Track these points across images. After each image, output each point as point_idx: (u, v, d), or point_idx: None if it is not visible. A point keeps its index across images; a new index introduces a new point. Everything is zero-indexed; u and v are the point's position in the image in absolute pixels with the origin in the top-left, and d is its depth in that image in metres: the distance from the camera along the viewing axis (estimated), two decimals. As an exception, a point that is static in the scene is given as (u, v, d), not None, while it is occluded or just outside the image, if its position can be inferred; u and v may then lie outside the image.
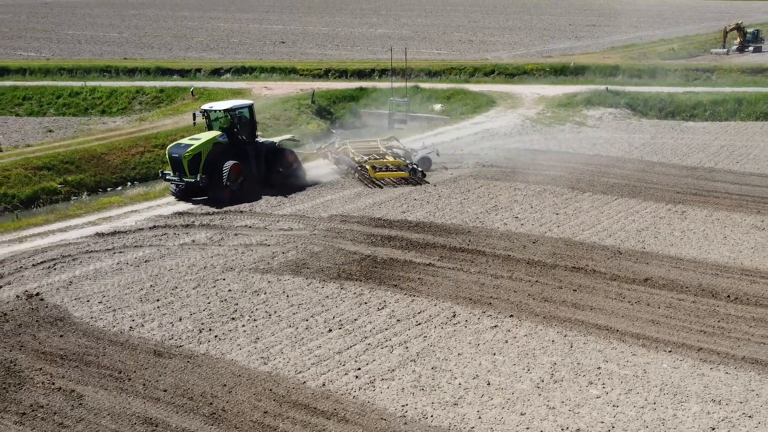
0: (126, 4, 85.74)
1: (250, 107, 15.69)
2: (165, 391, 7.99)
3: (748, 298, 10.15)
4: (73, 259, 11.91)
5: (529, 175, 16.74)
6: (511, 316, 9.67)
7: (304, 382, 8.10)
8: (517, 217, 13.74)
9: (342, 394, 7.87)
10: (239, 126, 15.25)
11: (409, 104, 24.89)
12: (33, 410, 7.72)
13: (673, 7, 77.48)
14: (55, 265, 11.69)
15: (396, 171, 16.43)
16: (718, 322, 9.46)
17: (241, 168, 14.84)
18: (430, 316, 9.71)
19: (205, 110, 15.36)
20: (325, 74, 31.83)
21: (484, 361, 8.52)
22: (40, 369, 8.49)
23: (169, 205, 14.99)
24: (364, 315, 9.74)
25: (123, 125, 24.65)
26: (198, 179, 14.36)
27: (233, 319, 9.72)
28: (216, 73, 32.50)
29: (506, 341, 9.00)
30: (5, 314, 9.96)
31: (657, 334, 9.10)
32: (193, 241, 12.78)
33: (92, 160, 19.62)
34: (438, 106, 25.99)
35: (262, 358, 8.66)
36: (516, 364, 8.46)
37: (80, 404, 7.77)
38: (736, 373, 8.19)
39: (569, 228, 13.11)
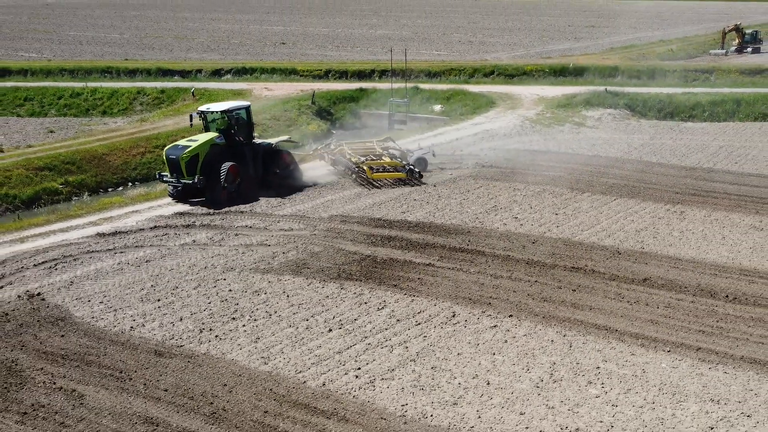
0: (127, 5, 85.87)
1: (247, 108, 15.69)
2: (166, 390, 8.02)
3: (746, 298, 10.18)
4: (74, 259, 11.94)
5: (528, 175, 16.77)
6: (511, 316, 9.70)
7: (305, 382, 8.13)
8: (516, 218, 13.77)
9: (342, 394, 7.90)
10: (236, 127, 15.25)
11: (408, 105, 24.94)
12: (34, 410, 7.74)
13: (672, 9, 77.62)
14: (56, 265, 11.72)
15: (393, 172, 16.45)
16: (717, 321, 9.49)
17: (238, 169, 14.83)
18: (430, 316, 9.74)
19: (202, 112, 15.34)
20: (326, 75, 31.88)
21: (484, 361, 8.54)
22: (42, 369, 8.51)
23: (169, 206, 15.02)
24: (364, 315, 9.77)
25: (124, 126, 24.70)
26: (196, 181, 14.35)
27: (234, 319, 9.75)
28: (217, 73, 32.57)
29: (506, 341, 9.03)
30: (6, 314, 9.99)
31: (656, 334, 9.13)
32: (194, 241, 12.81)
33: (93, 161, 19.67)
34: (438, 107, 26.03)
35: (262, 357, 8.69)
36: (515, 363, 8.48)
37: (81, 404, 7.80)
38: (735, 373, 8.22)
39: (568, 228, 13.15)
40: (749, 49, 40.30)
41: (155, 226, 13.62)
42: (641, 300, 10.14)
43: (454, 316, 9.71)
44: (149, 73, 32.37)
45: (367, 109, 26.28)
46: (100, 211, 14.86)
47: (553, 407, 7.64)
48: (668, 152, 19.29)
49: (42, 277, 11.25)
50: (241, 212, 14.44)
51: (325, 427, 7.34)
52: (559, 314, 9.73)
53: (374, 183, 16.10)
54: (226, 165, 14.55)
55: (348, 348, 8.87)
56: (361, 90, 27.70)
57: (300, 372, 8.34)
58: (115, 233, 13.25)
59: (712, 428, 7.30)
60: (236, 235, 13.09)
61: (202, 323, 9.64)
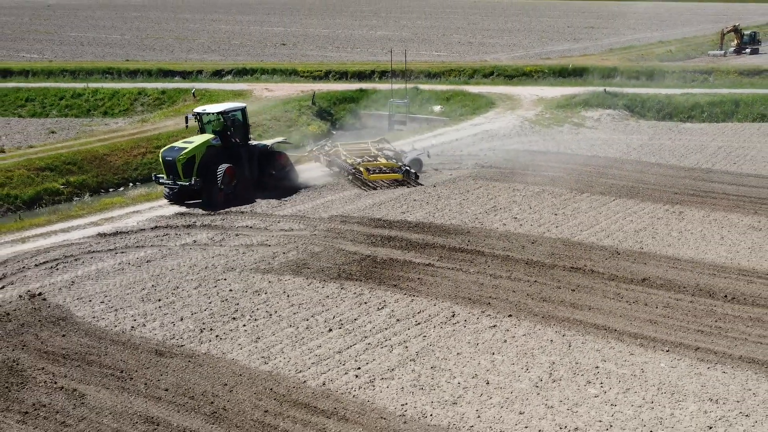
0: (128, 6, 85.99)
1: (243, 110, 15.63)
2: (166, 390, 8.04)
3: (745, 298, 10.21)
4: (76, 260, 11.97)
5: (527, 176, 16.80)
6: (510, 315, 9.73)
7: (305, 382, 8.15)
8: (516, 218, 13.80)
9: (342, 394, 7.92)
10: (232, 129, 15.20)
11: (408, 106, 24.99)
12: (35, 409, 7.76)
13: (671, 10, 77.72)
14: (57, 265, 11.74)
15: (389, 173, 16.42)
16: (716, 321, 9.52)
17: (234, 171, 14.79)
18: (430, 315, 9.76)
19: (198, 113, 15.26)
20: (326, 76, 31.94)
21: (483, 361, 8.57)
22: (43, 368, 8.53)
23: (170, 206, 15.03)
24: (364, 315, 9.79)
25: (125, 126, 24.74)
26: (192, 182, 14.31)
27: (234, 318, 9.78)
28: (217, 74, 32.64)
29: (505, 341, 9.05)
30: (8, 314, 10.01)
31: (655, 334, 9.15)
32: (195, 241, 12.84)
33: (94, 161, 19.71)
34: (437, 108, 26.07)
35: (262, 357, 8.71)
36: (515, 363, 8.51)
37: (82, 403, 7.81)
38: (734, 373, 8.24)
39: (568, 228, 13.17)
40: (748, 50, 40.37)
41: (156, 227, 13.65)
42: (640, 300, 10.17)
43: (453, 315, 9.74)
44: (150, 74, 32.44)
45: (367, 110, 26.32)
46: (101, 211, 14.88)
47: (552, 407, 7.66)
48: (667, 153, 19.32)
49: (43, 277, 11.28)
50: (242, 212, 14.47)
51: (325, 427, 7.36)
52: (559, 314, 9.75)
53: (370, 184, 16.07)
54: (223, 167, 14.51)
55: (348, 348, 8.89)
56: (361, 91, 27.74)
57: (300, 372, 8.36)
58: (116, 233, 13.27)
59: (710, 427, 7.32)
60: (237, 235, 13.12)
61: (203, 323, 9.66)
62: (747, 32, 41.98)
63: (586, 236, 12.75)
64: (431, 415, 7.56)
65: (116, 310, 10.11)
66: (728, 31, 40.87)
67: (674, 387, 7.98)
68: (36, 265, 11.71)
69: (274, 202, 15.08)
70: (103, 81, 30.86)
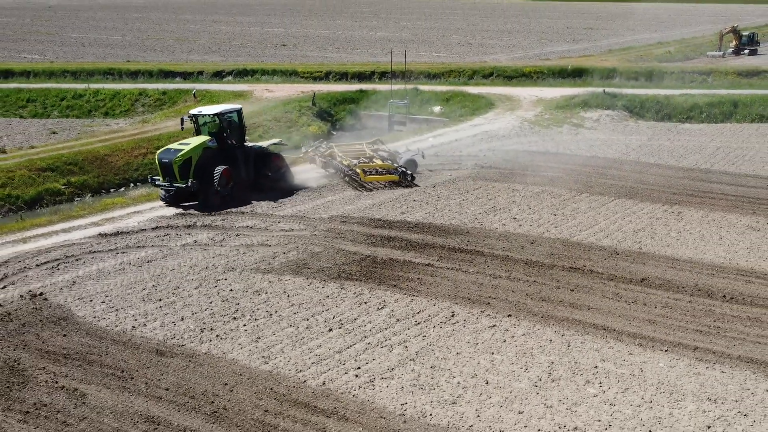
0: (129, 7, 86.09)
1: (239, 111, 15.60)
2: (167, 389, 8.06)
3: (743, 298, 10.24)
4: (77, 260, 12.00)
5: (527, 176, 16.83)
6: (510, 315, 9.76)
7: (305, 381, 8.17)
8: (515, 218, 13.84)
9: (342, 393, 7.94)
10: (229, 130, 15.18)
11: (408, 106, 25.04)
12: (36, 409, 7.78)
13: (670, 11, 77.80)
14: (58, 265, 11.77)
15: (386, 174, 16.39)
16: (714, 321, 9.55)
17: (231, 173, 14.78)
18: (429, 315, 9.79)
19: (194, 115, 15.21)
20: (326, 77, 32.00)
21: (483, 360, 8.59)
22: (44, 368, 8.56)
23: (170, 207, 15.08)
24: (364, 314, 9.82)
25: (126, 127, 24.78)
26: (189, 184, 14.27)
27: (234, 318, 9.81)
28: (218, 75, 32.71)
29: (504, 340, 9.08)
30: (9, 314, 10.04)
31: (653, 334, 9.18)
32: (195, 241, 12.87)
33: (95, 162, 19.75)
34: (437, 108, 26.12)
35: (263, 357, 8.74)
36: (514, 363, 8.53)
37: (83, 403, 7.84)
38: (732, 372, 8.27)
39: (567, 229, 13.21)
40: (746, 51, 40.43)
41: (157, 227, 13.68)
42: (639, 300, 10.20)
43: (453, 315, 9.77)
44: (151, 75, 32.49)
45: (367, 111, 26.37)
46: (102, 211, 14.90)
47: (551, 406, 7.69)
48: (666, 153, 19.36)
49: (44, 277, 11.31)
50: (242, 213, 14.49)
51: (325, 426, 7.39)
52: (558, 314, 9.78)
53: (367, 185, 16.03)
54: (219, 168, 14.47)
55: (348, 347, 8.92)
56: (361, 91, 27.79)
57: (300, 371, 8.39)
58: (117, 233, 13.30)
59: (709, 427, 7.34)
60: (237, 235, 13.15)
61: (203, 323, 9.69)
62: (745, 33, 42.04)
63: (585, 236, 12.78)
64: (431, 414, 7.58)
65: (117, 309, 10.14)
66: (727, 32, 40.94)
67: (673, 386, 8.01)
68: (37, 265, 11.74)
69: (273, 202, 15.09)
70: (104, 82, 30.90)
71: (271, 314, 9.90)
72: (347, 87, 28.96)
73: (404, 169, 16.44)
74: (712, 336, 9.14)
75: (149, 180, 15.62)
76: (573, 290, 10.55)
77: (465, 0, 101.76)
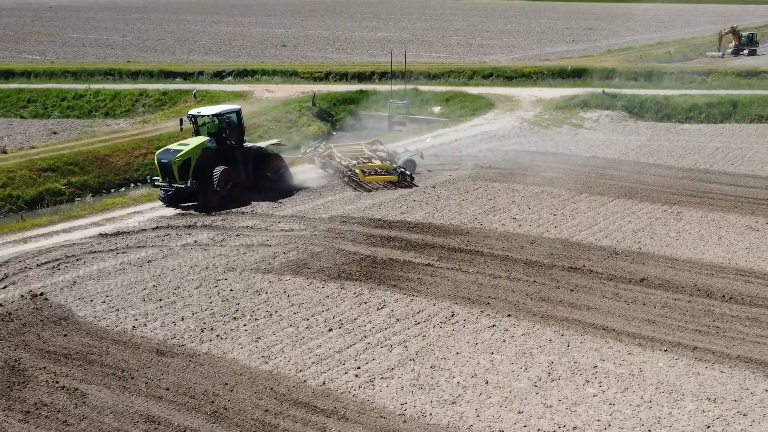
0: (129, 8, 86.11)
1: (238, 112, 15.59)
2: (167, 389, 8.08)
3: (742, 298, 10.27)
4: (77, 260, 12.03)
5: (526, 176, 16.87)
6: (509, 315, 9.78)
7: (305, 381, 8.20)
8: (515, 218, 13.87)
9: (342, 393, 7.97)
10: (228, 131, 15.18)
11: (408, 107, 25.07)
12: (37, 408, 7.80)
13: (670, 11, 77.82)
14: (59, 265, 11.80)
15: (385, 175, 16.39)
16: (713, 321, 9.58)
17: (230, 173, 14.77)
18: (429, 315, 9.82)
19: (193, 115, 15.20)
20: (326, 77, 32.05)
21: (483, 360, 8.62)
22: (44, 368, 8.58)
23: (169, 207, 15.10)
24: (363, 314, 9.85)
25: (126, 127, 24.83)
26: (188, 185, 14.26)
27: (235, 318, 9.83)
28: (218, 75, 32.75)
29: (504, 340, 9.11)
30: (10, 314, 10.07)
31: (653, 334, 9.21)
32: (196, 241, 12.90)
33: (96, 162, 19.78)
34: (437, 109, 26.16)
35: (263, 357, 8.76)
36: (514, 363, 8.56)
37: (84, 403, 7.86)
38: (731, 372, 8.29)
39: (566, 229, 13.24)
40: (745, 52, 40.46)
41: (157, 227, 13.71)
42: (638, 300, 10.23)
43: (453, 315, 9.79)
44: (151, 75, 32.53)
45: (367, 111, 26.41)
46: (102, 211, 14.93)
47: (551, 406, 7.71)
48: (665, 153, 19.39)
49: (45, 277, 11.33)
50: (242, 213, 14.52)
51: (325, 426, 7.41)
52: (557, 314, 9.81)
53: (366, 186, 16.03)
54: (219, 169, 14.47)
55: (348, 347, 8.95)
56: (361, 92, 27.83)
57: (300, 371, 8.41)
58: (117, 234, 13.33)
59: (708, 427, 7.36)
60: (237, 235, 13.18)
61: (204, 323, 9.71)
62: (745, 34, 42.08)
63: (585, 236, 12.81)
64: (431, 414, 7.60)
65: (117, 309, 10.16)
66: (726, 33, 40.97)
67: (672, 386, 8.03)
68: (38, 265, 11.77)
69: (273, 203, 15.11)
70: (104, 82, 30.95)
71: (271, 314, 9.92)
72: (347, 87, 29.00)
73: (403, 170, 16.46)
74: (711, 336, 9.17)
75: (148, 180, 15.63)
76: (572, 290, 10.58)
77: (465, 0, 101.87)
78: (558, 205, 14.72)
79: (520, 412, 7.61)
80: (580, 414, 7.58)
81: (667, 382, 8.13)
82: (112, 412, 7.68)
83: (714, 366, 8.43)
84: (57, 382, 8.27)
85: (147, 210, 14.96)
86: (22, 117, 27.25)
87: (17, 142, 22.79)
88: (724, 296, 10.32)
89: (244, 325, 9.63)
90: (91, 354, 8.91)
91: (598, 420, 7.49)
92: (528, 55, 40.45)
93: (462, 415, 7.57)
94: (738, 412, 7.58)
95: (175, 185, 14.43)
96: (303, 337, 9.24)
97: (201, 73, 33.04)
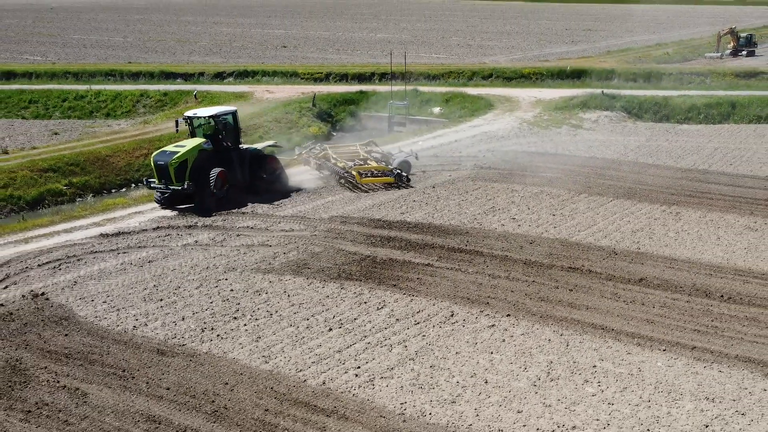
0: (130, 9, 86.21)
1: (234, 113, 15.56)
2: (168, 389, 8.11)
3: (741, 298, 10.30)
4: (78, 260, 12.06)
5: (526, 177, 16.90)
6: (508, 315, 9.82)
7: (305, 381, 8.22)
8: (514, 218, 13.91)
9: (342, 392, 7.99)
10: (224, 132, 15.16)
11: (408, 107, 25.11)
12: (38, 408, 7.83)
13: (668, 12, 77.91)
14: (60, 265, 11.83)
15: (381, 176, 16.39)
16: (712, 321, 9.61)
17: (227, 175, 14.75)
18: (429, 315, 9.85)
19: (189, 117, 15.16)
20: (326, 78, 32.10)
21: (482, 360, 8.64)
22: (45, 367, 8.61)
23: (166, 209, 15.08)
24: (363, 314, 9.88)
25: (127, 128, 24.90)
26: (185, 186, 14.22)
27: (235, 318, 9.87)
28: (219, 76, 32.79)
29: (503, 340, 9.14)
30: (11, 313, 10.10)
31: (652, 333, 9.24)
32: (196, 241, 12.93)
33: (97, 162, 19.83)
34: (437, 110, 26.20)
35: (263, 356, 8.79)
36: (513, 362, 8.59)
37: (84, 402, 7.88)
38: (730, 372, 8.32)
39: (565, 229, 13.27)
40: (744, 52, 40.51)
41: (158, 227, 13.74)
42: (637, 300, 10.26)
43: (452, 315, 9.82)
44: (152, 76, 32.58)
45: (367, 112, 26.46)
46: (103, 212, 14.95)
47: (550, 405, 7.74)
48: (664, 154, 19.44)
49: (46, 277, 11.37)
50: (243, 213, 14.55)
51: (325, 425, 7.43)
52: (556, 314, 9.84)
53: (362, 187, 16.01)
54: (216, 171, 14.43)
55: (348, 347, 8.98)
56: (361, 92, 27.88)
57: (300, 371, 8.44)
58: (118, 234, 13.36)
59: (707, 426, 7.39)
60: (238, 235, 13.21)
61: (204, 322, 9.75)
62: (743, 35, 42.13)
63: (584, 237, 12.84)
64: (430, 413, 7.63)
65: (118, 309, 10.19)
66: (725, 34, 41.03)
67: (671, 386, 8.06)
68: (39, 265, 11.80)
69: (273, 203, 15.12)
70: (105, 83, 31.01)
71: (271, 314, 9.95)
72: (347, 88, 29.03)
73: (399, 171, 16.46)
74: (709, 335, 9.20)
75: (144, 182, 15.52)
76: (572, 290, 10.61)
77: (464, 2, 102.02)
78: (557, 206, 14.76)
79: (519, 412, 7.64)
80: (579, 413, 7.61)
81: (666, 381, 8.16)
82: (112, 412, 7.71)
83: (712, 366, 8.46)
84: (58, 382, 8.29)
85: (148, 210, 14.99)
86: (23, 118, 27.31)
87: (19, 142, 22.86)
88: (722, 296, 10.36)
89: (245, 324, 9.66)
90: (92, 354, 8.94)
91: (597, 419, 7.51)
92: (527, 56, 40.50)
93: (461, 415, 7.59)
94: (736, 411, 7.61)
95: (171, 187, 14.38)
96: (303, 337, 9.27)
97: (201, 74, 33.09)
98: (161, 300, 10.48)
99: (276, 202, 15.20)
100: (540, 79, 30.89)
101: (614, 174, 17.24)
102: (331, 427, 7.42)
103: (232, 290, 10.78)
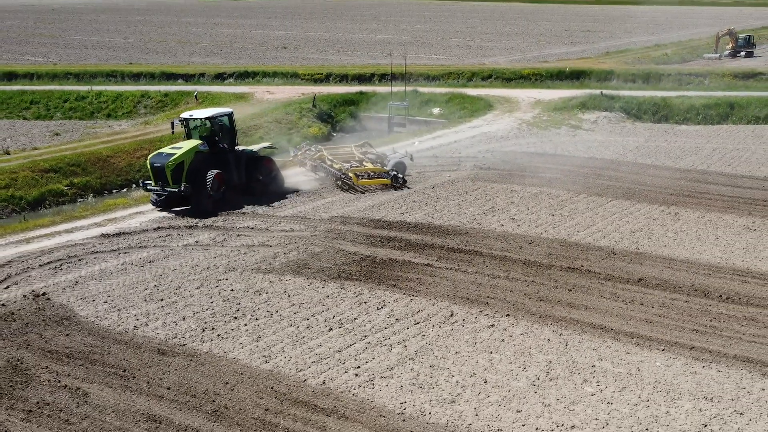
0: (131, 10, 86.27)
1: (230, 115, 15.56)
2: (168, 389, 8.14)
3: (739, 298, 10.34)
4: (79, 260, 12.09)
5: (525, 177, 16.95)
6: (508, 315, 9.85)
7: (305, 380, 8.26)
8: (513, 219, 13.95)
9: (342, 392, 8.02)
10: (220, 134, 15.15)
11: (408, 108, 25.16)
12: (39, 408, 7.86)
13: (667, 13, 77.95)
14: (61, 265, 11.86)
15: (378, 178, 16.38)
16: (711, 321, 9.64)
17: (223, 177, 14.75)
18: (429, 315, 9.88)
19: (185, 119, 15.14)
20: (326, 79, 32.15)
21: (481, 360, 8.68)
22: (47, 367, 8.64)
23: (162, 211, 15.08)
24: (363, 314, 9.91)
25: (128, 129, 24.93)
26: (182, 189, 14.19)
27: (235, 318, 9.90)
28: (219, 77, 32.84)
29: (503, 340, 9.17)
30: (12, 313, 10.13)
31: (650, 333, 9.27)
32: (197, 242, 12.96)
33: (98, 163, 19.86)
34: (436, 110, 26.24)
35: (263, 356, 8.82)
36: (512, 362, 8.62)
37: (85, 402, 7.91)
38: (728, 371, 8.35)
39: (565, 229, 13.31)
40: (742, 53, 40.55)
41: (159, 227, 13.77)
42: (636, 300, 10.29)
43: (452, 315, 9.86)
44: (153, 77, 32.63)
45: (367, 112, 26.50)
46: (104, 212, 14.98)
47: (549, 405, 7.77)
48: (663, 154, 19.48)
49: (47, 277, 11.40)
50: (243, 213, 14.58)
51: (325, 425, 7.46)
52: (556, 314, 9.88)
53: (359, 189, 15.98)
54: (212, 172, 14.42)
55: (348, 347, 9.01)
56: (361, 93, 27.92)
57: (300, 370, 8.47)
58: (119, 234, 13.40)
59: (705, 425, 7.42)
60: (238, 236, 13.25)
61: (205, 322, 9.78)
62: (742, 36, 42.16)
63: (583, 237, 12.88)
64: (430, 413, 7.66)
65: (119, 309, 10.23)
66: (723, 35, 41.08)
67: (669, 385, 8.09)
68: (40, 266, 11.83)
69: (271, 205, 15.14)
70: (106, 84, 31.06)
71: (271, 314, 9.99)
72: (347, 89, 29.08)
73: (396, 173, 16.45)
74: (708, 335, 9.23)
75: (140, 184, 15.45)
76: (571, 290, 10.64)
77: (464, 3, 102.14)
78: (556, 206, 14.80)
79: (518, 411, 7.67)
80: (578, 413, 7.64)
81: (665, 381, 8.19)
82: (113, 412, 7.74)
83: (711, 365, 8.49)
84: (59, 382, 8.32)
85: (148, 210, 15.02)
86: (24, 118, 27.33)
87: (20, 143, 22.90)
88: (721, 296, 10.39)
89: (245, 324, 9.69)
90: (93, 353, 8.97)
91: (596, 419, 7.54)
92: (527, 57, 40.55)
93: (461, 414, 7.62)
94: (735, 411, 7.64)
95: (168, 189, 14.34)
96: (303, 337, 9.30)
97: (202, 74, 33.14)
98: (162, 300, 10.51)
99: (276, 203, 15.22)
100: (539, 80, 30.94)
101: (613, 174, 17.28)
102: (331, 426, 7.45)
103: (232, 290, 10.81)
